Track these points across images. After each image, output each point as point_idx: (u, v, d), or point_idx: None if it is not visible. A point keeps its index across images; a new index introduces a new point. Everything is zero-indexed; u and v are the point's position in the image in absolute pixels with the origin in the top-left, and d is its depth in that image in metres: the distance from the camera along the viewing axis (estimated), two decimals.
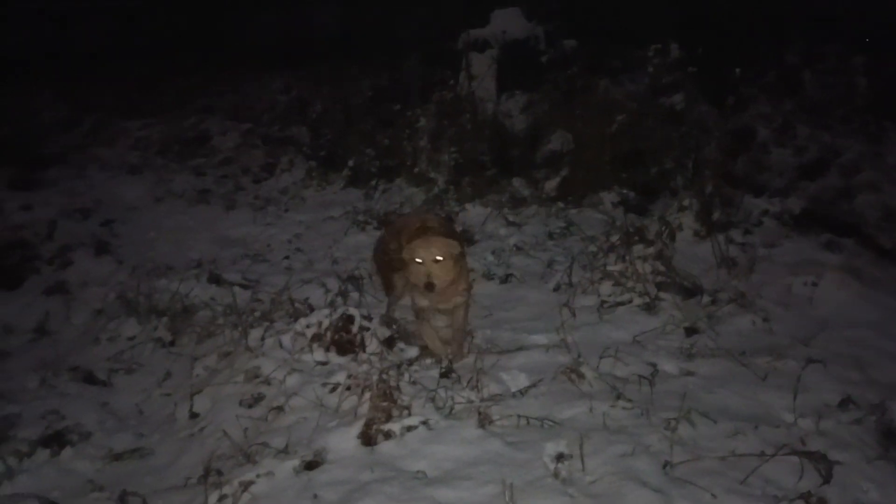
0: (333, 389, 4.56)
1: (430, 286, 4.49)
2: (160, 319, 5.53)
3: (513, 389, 4.62)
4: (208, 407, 4.58)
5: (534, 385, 4.64)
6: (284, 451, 4.00)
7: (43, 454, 4.14)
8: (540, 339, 5.20)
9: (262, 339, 5.08)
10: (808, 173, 7.74)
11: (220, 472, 3.88)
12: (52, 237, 7.06)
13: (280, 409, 4.43)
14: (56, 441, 4.23)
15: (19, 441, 4.21)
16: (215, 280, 6.16)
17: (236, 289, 5.93)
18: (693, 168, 7.70)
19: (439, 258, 4.53)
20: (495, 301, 5.89)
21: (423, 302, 4.91)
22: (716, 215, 6.50)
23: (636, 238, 6.04)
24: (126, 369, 5.10)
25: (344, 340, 5.02)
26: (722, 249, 6.05)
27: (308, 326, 5.09)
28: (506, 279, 6.21)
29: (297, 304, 5.52)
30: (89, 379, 4.93)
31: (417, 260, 4.54)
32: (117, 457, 4.23)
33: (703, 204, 6.55)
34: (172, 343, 5.33)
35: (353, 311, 5.26)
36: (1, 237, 7.02)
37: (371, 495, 3.59)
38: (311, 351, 4.95)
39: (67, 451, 4.19)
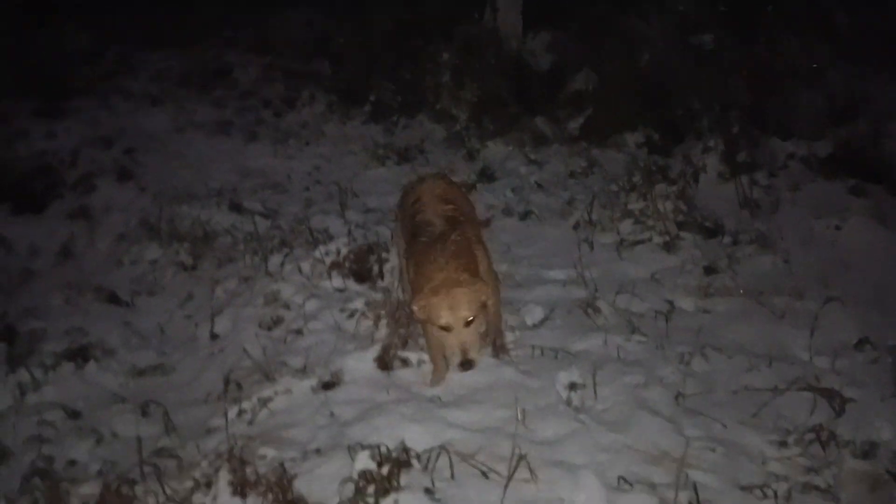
0: (351, 315, 4.63)
1: (467, 364, 3.44)
2: (181, 244, 5.59)
3: (529, 322, 4.65)
4: (228, 328, 4.66)
5: (549, 318, 4.67)
6: (302, 371, 4.08)
7: (68, 367, 4.25)
8: (557, 274, 5.21)
9: (282, 265, 5.15)
10: (838, 118, 7.56)
11: (239, 386, 3.98)
12: (75, 164, 7.10)
13: (299, 331, 4.51)
14: (80, 355, 4.34)
15: (45, 354, 4.32)
16: (236, 208, 6.21)
17: (256, 217, 5.96)
18: (720, 109, 7.56)
19: (471, 317, 3.47)
20: (514, 237, 5.89)
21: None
22: (741, 156, 6.40)
23: (659, 177, 5.98)
24: (148, 291, 5.19)
25: (362, 269, 5.08)
26: (745, 191, 5.98)
27: (327, 254, 5.15)
28: (525, 216, 6.19)
29: (316, 234, 5.55)
30: (113, 299, 5.02)
31: (442, 324, 3.46)
32: (140, 372, 4.34)
33: (728, 145, 6.46)
34: (194, 267, 5.41)
35: (371, 241, 5.33)
36: (26, 163, 7.07)
37: (386, 414, 3.67)
38: (330, 278, 5.01)
39: (91, 366, 4.29)
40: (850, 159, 6.62)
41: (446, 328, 3.45)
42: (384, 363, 4.16)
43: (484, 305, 3.59)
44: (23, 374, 4.15)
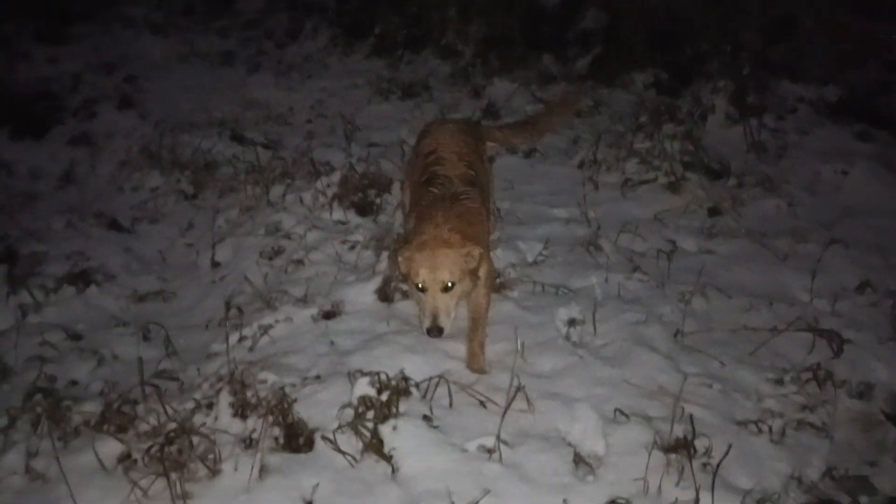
0: (352, 247, 4.62)
1: (434, 330, 3.26)
2: (183, 173, 5.57)
3: (529, 258, 4.65)
4: (229, 257, 4.66)
5: (550, 255, 4.67)
6: (303, 301, 4.09)
7: (69, 290, 4.27)
8: (560, 212, 5.18)
9: (283, 195, 5.13)
10: (848, 64, 7.44)
11: (241, 311, 4.00)
12: (77, 90, 7.02)
13: (300, 262, 4.51)
14: (81, 279, 4.35)
15: (46, 277, 4.33)
16: (237, 139, 6.15)
17: (258, 148, 5.90)
18: (730, 52, 7.42)
19: (450, 283, 3.27)
20: (517, 174, 5.83)
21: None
22: (750, 99, 6.30)
23: (666, 117, 5.90)
24: (149, 218, 5.17)
25: (363, 202, 5.05)
26: (753, 133, 5.92)
27: (329, 186, 5.12)
28: (529, 154, 6.12)
29: (318, 166, 5.50)
30: (114, 225, 5.01)
31: (417, 283, 3.29)
32: (141, 297, 4.35)
33: (737, 87, 6.36)
34: (195, 196, 5.39)
35: (373, 174, 5.29)
36: (27, 87, 6.99)
37: (386, 344, 3.68)
38: (331, 210, 4.99)
39: (93, 290, 4.31)
40: (859, 104, 6.54)
41: (421, 289, 3.28)
42: (385, 295, 4.16)
43: (473, 274, 3.39)
44: (24, 296, 4.17)
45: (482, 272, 3.51)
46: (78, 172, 5.75)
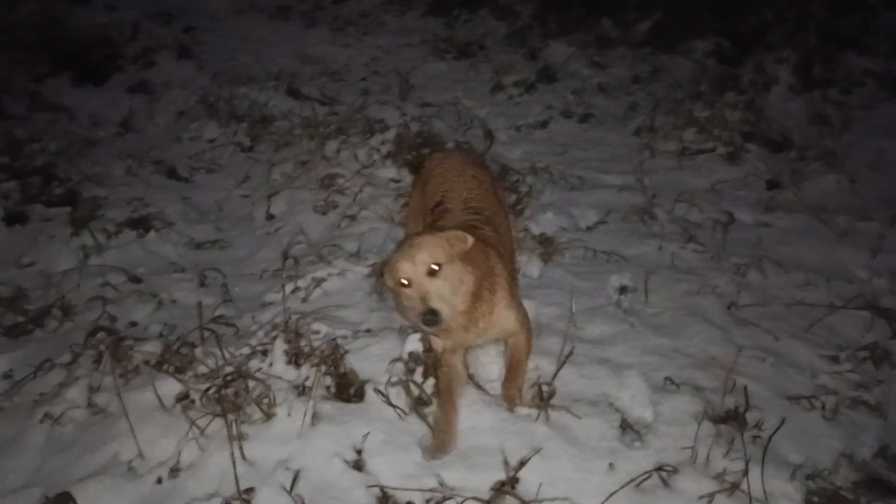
0: (405, 205, 4.63)
1: (430, 316, 2.82)
2: (240, 125, 5.63)
3: (582, 224, 4.62)
4: (284, 210, 4.71)
5: (604, 221, 4.63)
6: (356, 255, 4.13)
7: (129, 235, 4.37)
8: (614, 179, 5.13)
9: (338, 151, 5.15)
10: None
11: (296, 262, 4.05)
12: (135, 38, 7.10)
13: (353, 217, 4.55)
14: (141, 225, 4.45)
15: (107, 221, 4.43)
16: (293, 93, 6.18)
17: (314, 103, 5.92)
18: (796, 22, 7.18)
19: (435, 265, 2.88)
20: (572, 140, 5.78)
21: (439, 343, 3.22)
22: (814, 71, 6.12)
23: (728, 86, 5.76)
24: (207, 168, 5.25)
25: (417, 160, 5.04)
26: (816, 106, 5.75)
27: (383, 143, 5.13)
28: (585, 119, 6.06)
29: (372, 123, 5.50)
30: (172, 174, 5.10)
31: (403, 281, 2.90)
32: (198, 245, 4.44)
33: (802, 58, 6.17)
34: (251, 148, 5.44)
35: (427, 133, 5.28)
36: (87, 34, 7.08)
37: None
38: (384, 167, 5.00)
39: (152, 235, 4.40)
40: None
41: (406, 284, 2.89)
42: None
43: (465, 260, 2.99)
44: (86, 238, 4.28)
45: (513, 316, 3.19)
46: (137, 120, 5.85)
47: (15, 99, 5.97)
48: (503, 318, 3.18)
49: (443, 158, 3.85)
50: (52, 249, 4.19)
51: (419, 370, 3.22)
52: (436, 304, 2.83)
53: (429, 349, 3.25)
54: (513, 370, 3.22)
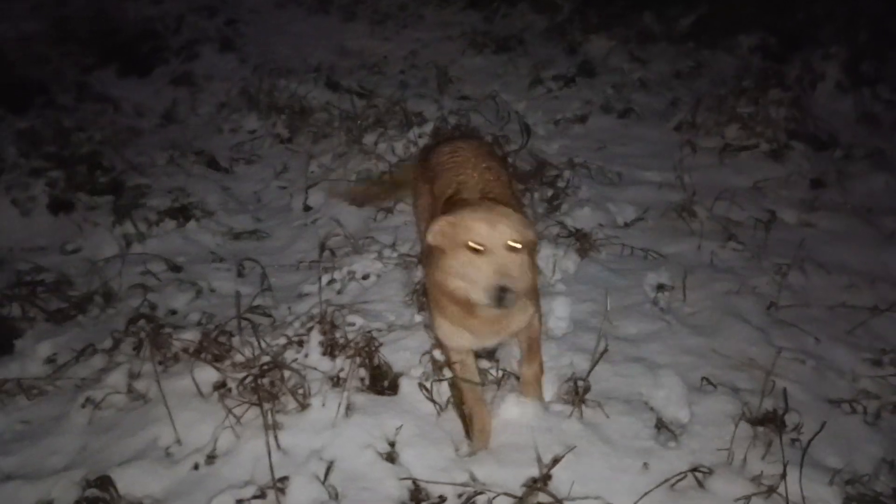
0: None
1: (502, 296, 2.46)
2: (279, 116, 5.68)
3: (619, 221, 4.58)
4: (321, 201, 4.74)
5: (641, 218, 4.58)
6: (392, 248, 4.14)
7: (170, 224, 4.44)
8: (654, 175, 5.07)
9: (376, 143, 5.16)
10: None
11: (333, 254, 4.08)
12: (179, 31, 7.20)
13: (389, 210, 4.55)
14: (182, 214, 4.52)
15: (149, 209, 4.51)
16: (332, 86, 6.22)
17: (352, 95, 5.95)
18: (846, 18, 7.01)
19: (516, 244, 2.55)
20: (611, 135, 5.73)
21: (461, 340, 2.91)
22: (864, 68, 5.97)
23: (772, 82, 5.64)
24: (246, 159, 5.31)
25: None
26: (865, 104, 5.62)
27: (420, 136, 5.13)
28: (624, 114, 5.99)
29: (410, 116, 5.51)
30: (213, 164, 5.17)
31: (474, 245, 2.53)
32: (237, 235, 4.49)
33: (851, 54, 6.02)
34: (290, 140, 5.50)
35: (464, 126, 5.27)
36: (133, 27, 7.20)
37: None
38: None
39: (192, 224, 4.47)
40: None
41: (478, 248, 2.52)
42: None
43: (531, 253, 2.75)
44: (128, 226, 4.36)
45: (533, 309, 2.97)
46: (179, 111, 5.94)
47: (64, 90, 6.10)
48: (527, 313, 2.92)
49: (453, 149, 3.40)
50: (96, 237, 4.29)
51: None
52: (512, 282, 2.48)
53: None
54: (530, 351, 3.09)
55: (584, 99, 6.23)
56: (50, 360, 3.44)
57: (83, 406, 3.14)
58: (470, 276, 2.55)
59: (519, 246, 2.54)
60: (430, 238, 2.66)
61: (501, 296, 2.47)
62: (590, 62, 6.93)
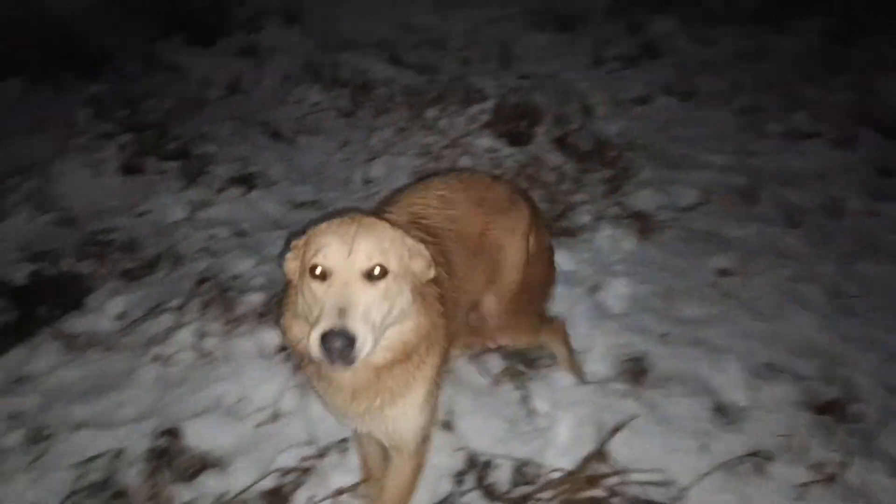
0: (501, 175, 4.63)
1: (342, 341, 1.75)
2: (342, 90, 5.72)
3: (680, 204, 4.53)
4: (382, 174, 4.78)
5: (703, 202, 4.52)
6: None
7: (235, 191, 4.53)
8: (716, 158, 4.98)
9: (437, 119, 5.17)
10: None
11: None
12: (243, 2, 7.27)
13: None
14: (246, 182, 4.61)
15: (215, 177, 4.61)
16: (395, 61, 6.23)
17: (414, 71, 5.97)
18: None
19: (378, 267, 1.87)
20: (673, 117, 5.63)
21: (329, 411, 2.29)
22: None
23: (840, 67, 5.49)
24: (309, 131, 5.36)
25: (515, 131, 5.04)
26: None
27: (481, 113, 5.13)
28: (688, 95, 5.88)
29: (471, 93, 5.50)
30: (276, 135, 5.23)
31: (319, 268, 1.87)
32: (298, 205, 4.55)
33: None
34: (352, 113, 5.52)
35: (525, 104, 5.25)
36: None
37: None
38: (482, 137, 5.00)
39: (256, 193, 4.55)
40: None
41: (322, 274, 1.87)
42: None
43: (415, 292, 1.99)
44: (195, 192, 4.47)
45: (418, 425, 2.20)
46: (244, 82, 6.02)
47: (132, 59, 6.24)
48: (406, 417, 2.16)
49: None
50: (164, 201, 4.40)
51: None
52: (360, 325, 1.78)
53: None
54: (397, 471, 2.34)
55: (647, 79, 6.12)
56: (120, 318, 3.56)
57: (153, 362, 3.25)
58: (308, 314, 1.89)
59: (381, 272, 1.87)
60: (284, 267, 2.04)
61: (339, 345, 1.74)
62: (653, 42, 6.80)
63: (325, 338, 1.74)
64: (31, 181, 4.55)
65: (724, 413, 3.03)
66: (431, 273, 2.04)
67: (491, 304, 2.61)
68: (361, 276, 1.85)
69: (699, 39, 6.83)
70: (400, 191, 2.70)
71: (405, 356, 2.00)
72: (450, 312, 2.23)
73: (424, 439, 2.28)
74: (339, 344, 1.74)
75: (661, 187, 4.59)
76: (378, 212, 2.39)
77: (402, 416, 2.14)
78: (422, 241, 2.10)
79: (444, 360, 2.28)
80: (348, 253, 1.85)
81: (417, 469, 2.34)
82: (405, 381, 2.07)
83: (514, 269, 2.57)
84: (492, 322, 2.66)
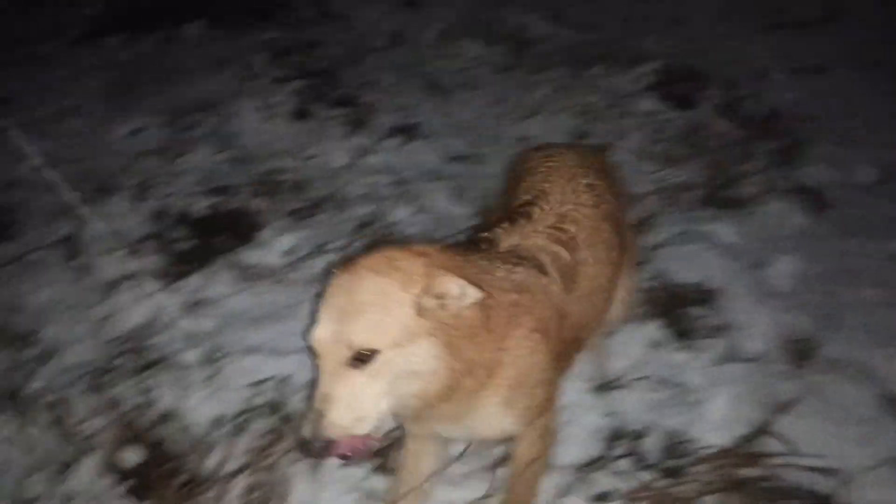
0: (658, 141, 4.52)
1: (311, 445, 1.68)
2: (501, 45, 5.70)
3: (860, 181, 4.26)
4: (537, 132, 4.74)
5: (885, 181, 4.23)
6: None
7: (395, 140, 4.65)
8: None
9: (597, 80, 5.07)
10: None
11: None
12: None
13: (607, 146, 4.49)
14: (405, 132, 4.72)
15: (377, 126, 4.75)
16: (556, 18, 6.12)
17: (574, 30, 5.87)
18: None
19: (367, 351, 1.65)
20: (853, 89, 5.21)
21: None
22: None
23: None
24: (467, 85, 5.39)
25: (682, 94, 4.87)
26: None
27: (646, 74, 4.99)
28: (871, 67, 5.42)
29: (633, 53, 5.35)
30: (435, 87, 5.30)
31: (311, 345, 1.72)
32: (454, 158, 4.60)
33: None
34: (510, 69, 5.50)
35: (692, 67, 5.06)
36: None
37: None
38: (644, 98, 4.88)
39: (416, 143, 4.65)
40: None
41: (310, 350, 1.71)
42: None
43: (457, 329, 1.74)
44: (359, 139, 4.62)
45: (511, 419, 2.02)
46: (406, 34, 6.10)
47: (304, 6, 6.47)
48: (492, 415, 1.98)
49: (550, 154, 2.56)
50: (331, 146, 4.58)
51: None
52: (338, 424, 1.65)
53: None
54: (513, 485, 2.27)
55: (826, 47, 5.71)
56: (288, 253, 3.75)
57: (317, 297, 3.41)
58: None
59: (369, 354, 1.63)
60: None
61: (308, 448, 1.67)
62: (836, 6, 6.31)
63: (303, 447, 1.68)
64: (210, 119, 4.86)
65: (892, 404, 2.86)
66: (470, 299, 1.72)
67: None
68: (347, 360, 1.64)
69: (886, 3, 6.27)
70: (524, 160, 2.60)
71: (453, 390, 1.78)
72: (564, 324, 2.09)
73: (544, 431, 2.18)
74: (319, 447, 1.65)
75: (836, 163, 4.33)
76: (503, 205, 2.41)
77: (488, 414, 1.96)
78: (557, 245, 2.07)
79: (558, 369, 2.14)
80: (330, 333, 1.64)
81: (543, 449, 2.23)
82: (473, 398, 1.88)
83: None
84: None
